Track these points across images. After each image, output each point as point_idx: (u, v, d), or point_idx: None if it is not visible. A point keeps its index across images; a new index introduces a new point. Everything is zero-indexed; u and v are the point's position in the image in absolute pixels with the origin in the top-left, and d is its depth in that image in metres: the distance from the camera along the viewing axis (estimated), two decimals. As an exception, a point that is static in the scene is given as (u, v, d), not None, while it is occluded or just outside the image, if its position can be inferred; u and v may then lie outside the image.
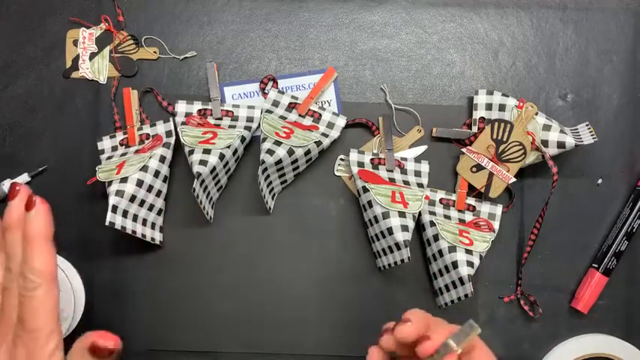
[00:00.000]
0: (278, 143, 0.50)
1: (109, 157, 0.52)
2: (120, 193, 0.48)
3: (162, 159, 0.51)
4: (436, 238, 0.51)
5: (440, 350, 0.33)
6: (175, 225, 0.54)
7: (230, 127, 0.53)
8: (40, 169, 0.54)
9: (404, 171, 0.54)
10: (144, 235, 0.51)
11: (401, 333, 0.35)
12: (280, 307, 0.54)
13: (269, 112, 0.53)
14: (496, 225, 0.53)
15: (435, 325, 0.36)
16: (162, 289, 0.54)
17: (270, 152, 0.49)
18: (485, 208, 0.54)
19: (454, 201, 0.54)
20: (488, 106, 0.54)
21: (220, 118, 0.54)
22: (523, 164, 0.52)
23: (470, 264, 0.48)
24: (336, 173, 0.55)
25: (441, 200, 0.54)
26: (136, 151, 0.52)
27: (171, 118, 0.54)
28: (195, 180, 0.48)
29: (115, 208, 0.48)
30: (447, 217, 0.53)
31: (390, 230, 0.49)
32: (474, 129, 0.54)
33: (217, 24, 0.56)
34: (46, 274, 0.35)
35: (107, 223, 0.47)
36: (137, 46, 0.55)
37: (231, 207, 0.54)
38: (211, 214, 0.54)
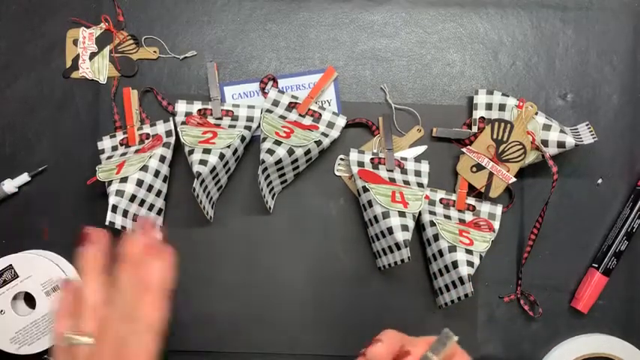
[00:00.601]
0: (278, 143, 0.50)
1: (109, 157, 0.52)
2: (120, 193, 0.48)
3: (162, 159, 0.51)
4: (436, 237, 0.51)
5: None
6: (175, 225, 0.54)
7: (230, 126, 0.53)
8: (40, 169, 0.54)
9: (404, 171, 0.54)
10: (144, 235, 0.51)
11: (372, 354, 0.34)
12: (280, 306, 0.54)
13: (269, 111, 0.53)
14: (496, 225, 0.53)
15: (410, 340, 0.35)
16: (162, 289, 0.54)
17: (270, 152, 0.49)
18: (485, 208, 0.54)
19: (454, 201, 0.54)
20: (488, 106, 0.54)
21: (220, 118, 0.54)
22: (523, 164, 0.52)
23: (470, 264, 0.48)
24: (336, 173, 0.55)
25: (441, 200, 0.54)
26: (136, 151, 0.52)
27: (171, 118, 0.54)
28: (195, 180, 0.48)
29: (115, 208, 0.48)
30: (447, 217, 0.53)
31: (390, 230, 0.49)
32: (474, 129, 0.54)
33: (217, 24, 0.56)
34: (155, 326, 0.35)
35: (107, 223, 0.47)
36: (137, 46, 0.55)
37: (231, 207, 0.54)
38: (211, 214, 0.54)
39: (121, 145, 0.53)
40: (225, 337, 0.54)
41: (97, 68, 0.55)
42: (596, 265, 0.54)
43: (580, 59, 0.56)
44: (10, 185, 0.53)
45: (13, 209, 0.54)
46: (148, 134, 0.53)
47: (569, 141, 0.51)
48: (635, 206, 0.54)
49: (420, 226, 0.53)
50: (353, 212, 0.55)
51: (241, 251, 0.54)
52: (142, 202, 0.50)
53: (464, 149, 0.53)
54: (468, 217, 0.53)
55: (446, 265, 0.50)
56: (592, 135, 0.52)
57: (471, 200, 0.54)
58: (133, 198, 0.49)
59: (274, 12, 0.56)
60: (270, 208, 0.54)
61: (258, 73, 0.56)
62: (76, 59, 0.55)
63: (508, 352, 0.54)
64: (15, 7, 0.55)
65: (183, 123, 0.53)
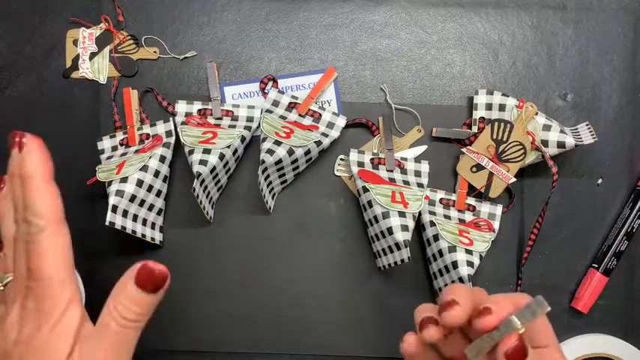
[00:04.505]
0: (278, 143, 0.50)
1: (109, 157, 0.52)
2: (120, 193, 0.48)
3: (162, 159, 0.51)
4: (436, 238, 0.51)
5: (500, 327, 0.28)
6: (175, 225, 0.54)
7: (230, 126, 0.53)
8: (40, 169, 0.54)
9: (404, 171, 0.54)
10: (144, 235, 0.51)
11: (450, 318, 0.29)
12: (280, 306, 0.54)
13: (269, 111, 0.53)
14: (496, 225, 0.53)
15: (487, 296, 0.30)
16: (162, 289, 0.54)
17: (270, 152, 0.49)
18: (485, 208, 0.54)
19: (454, 201, 0.54)
20: (488, 106, 0.54)
21: (220, 118, 0.54)
22: (523, 164, 0.52)
23: (470, 264, 0.48)
24: (336, 173, 0.55)
25: (441, 200, 0.54)
26: (136, 151, 0.52)
27: (171, 118, 0.54)
28: (196, 180, 0.48)
29: (115, 208, 0.48)
30: (447, 217, 0.53)
31: (390, 230, 0.49)
32: (474, 129, 0.54)
33: (217, 24, 0.56)
34: (49, 215, 0.31)
35: (107, 223, 0.47)
36: (137, 46, 0.55)
37: (231, 207, 0.54)
38: (211, 214, 0.54)
39: (121, 145, 0.53)
40: (225, 336, 0.54)
41: (97, 68, 0.55)
42: (596, 265, 0.54)
43: (580, 59, 0.56)
44: (10, 185, 0.53)
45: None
46: (148, 134, 0.53)
47: (569, 141, 0.51)
48: (635, 206, 0.54)
49: (420, 226, 0.53)
50: (353, 212, 0.55)
51: (241, 251, 0.54)
52: (142, 202, 0.50)
53: (464, 149, 0.53)
54: (468, 217, 0.53)
55: (446, 265, 0.50)
56: (592, 135, 0.52)
57: (470, 200, 0.54)
58: (133, 198, 0.49)
59: (274, 12, 0.56)
60: (270, 208, 0.54)
61: (258, 73, 0.56)
62: (76, 59, 0.55)
63: (508, 352, 0.54)
64: (15, 7, 0.55)
65: (183, 123, 0.53)
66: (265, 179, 0.51)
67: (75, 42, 0.55)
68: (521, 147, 0.52)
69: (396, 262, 0.50)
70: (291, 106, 0.54)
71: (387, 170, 0.54)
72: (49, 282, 0.31)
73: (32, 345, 0.31)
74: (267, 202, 0.53)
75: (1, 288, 0.34)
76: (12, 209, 0.34)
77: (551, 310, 0.54)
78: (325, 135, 0.53)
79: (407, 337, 0.33)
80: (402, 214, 0.49)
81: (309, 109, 0.54)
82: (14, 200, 0.33)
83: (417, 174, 0.54)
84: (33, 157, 0.32)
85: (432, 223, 0.51)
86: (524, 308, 0.28)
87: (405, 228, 0.48)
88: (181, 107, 0.53)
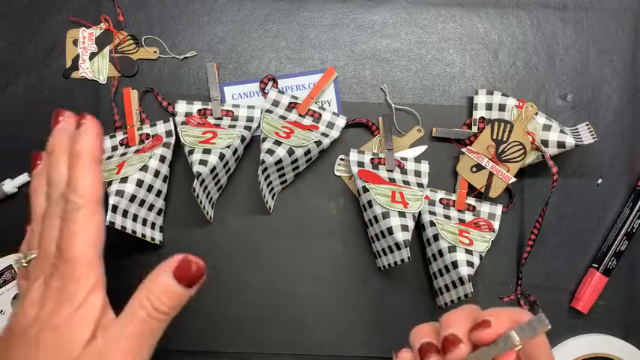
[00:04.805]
0: (278, 143, 0.50)
1: (109, 157, 0.52)
2: (120, 193, 0.48)
3: (162, 159, 0.51)
4: (436, 238, 0.51)
5: (499, 342, 0.28)
6: (175, 225, 0.54)
7: (230, 126, 0.53)
8: (40, 169, 0.54)
9: (404, 171, 0.54)
10: (144, 235, 0.51)
11: (456, 357, 0.28)
12: (280, 307, 0.54)
13: (269, 111, 0.53)
14: (496, 225, 0.53)
15: (479, 311, 0.30)
16: (162, 289, 0.54)
17: (270, 152, 0.49)
18: (485, 208, 0.54)
19: (454, 201, 0.54)
20: (488, 106, 0.54)
21: (220, 118, 0.54)
22: (523, 164, 0.52)
23: (470, 264, 0.48)
24: (336, 173, 0.55)
25: (441, 200, 0.54)
26: (136, 151, 0.52)
27: (171, 118, 0.54)
28: (196, 180, 0.48)
29: (115, 208, 0.48)
30: (447, 217, 0.53)
31: (390, 230, 0.49)
32: (474, 129, 0.54)
33: (217, 24, 0.56)
34: (90, 196, 0.31)
35: (107, 223, 0.47)
36: (137, 46, 0.55)
37: (231, 207, 0.54)
38: (211, 214, 0.54)
39: (121, 145, 0.53)
40: (226, 336, 0.54)
41: (97, 68, 0.55)
42: (596, 265, 0.54)
43: (580, 59, 0.56)
44: (10, 185, 0.53)
45: (13, 209, 0.54)
46: (148, 134, 0.53)
47: (569, 141, 0.51)
48: (635, 206, 0.54)
49: (420, 226, 0.53)
50: (353, 212, 0.55)
51: (241, 251, 0.54)
52: (142, 202, 0.50)
53: (464, 149, 0.53)
54: (468, 217, 0.53)
55: (446, 265, 0.50)
56: (592, 135, 0.52)
57: (470, 200, 0.54)
58: (133, 198, 0.49)
59: (274, 12, 0.56)
60: (270, 208, 0.54)
61: (258, 73, 0.56)
62: (76, 59, 0.55)
63: (508, 352, 0.54)
64: (15, 7, 0.55)
65: (183, 123, 0.53)
66: (265, 179, 0.51)
67: (75, 42, 0.55)
68: (521, 147, 0.52)
69: (396, 262, 0.50)
70: (291, 106, 0.54)
71: (387, 170, 0.54)
72: (76, 263, 0.30)
73: (51, 325, 0.30)
74: (267, 202, 0.53)
75: (25, 264, 0.33)
76: (45, 186, 0.33)
77: (551, 310, 0.54)
78: (325, 135, 0.53)
79: (401, 354, 0.32)
80: (402, 214, 0.49)
81: (309, 109, 0.54)
82: (51, 177, 0.33)
83: (417, 174, 0.54)
84: (88, 137, 0.33)
85: (432, 223, 0.51)
86: (526, 325, 0.28)
87: (405, 228, 0.48)
88: (181, 107, 0.53)
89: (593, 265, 0.54)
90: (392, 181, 0.53)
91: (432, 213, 0.53)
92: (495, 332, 0.28)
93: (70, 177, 0.31)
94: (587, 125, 0.53)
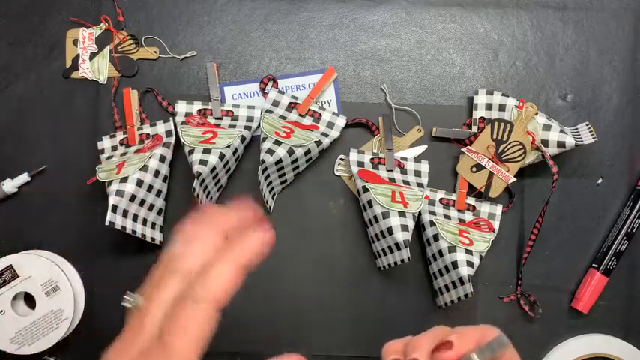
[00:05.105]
0: (278, 143, 0.50)
1: (109, 157, 0.52)
2: (120, 193, 0.48)
3: (162, 159, 0.51)
4: (436, 238, 0.51)
5: None
6: (175, 225, 0.54)
7: (230, 126, 0.53)
8: (40, 169, 0.54)
9: (404, 171, 0.54)
10: (144, 235, 0.51)
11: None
12: (280, 306, 0.54)
13: (269, 111, 0.53)
14: (496, 225, 0.53)
15: (449, 330, 0.31)
16: (162, 289, 0.54)
17: (270, 152, 0.49)
18: (485, 208, 0.54)
19: (454, 201, 0.54)
20: (488, 106, 0.54)
21: (220, 118, 0.54)
22: (523, 164, 0.52)
23: (470, 264, 0.48)
24: (336, 173, 0.55)
25: (441, 200, 0.54)
26: (136, 151, 0.52)
27: (171, 118, 0.54)
28: (195, 180, 0.48)
29: (115, 208, 0.48)
30: (447, 217, 0.53)
31: (390, 230, 0.49)
32: (474, 129, 0.54)
33: (217, 24, 0.56)
34: (215, 294, 0.31)
35: (107, 223, 0.47)
36: (137, 46, 0.55)
37: (231, 207, 0.54)
38: (211, 214, 0.54)
39: (121, 145, 0.53)
40: (225, 336, 0.54)
41: (97, 68, 0.55)
42: (596, 265, 0.54)
43: (580, 59, 0.56)
44: (10, 185, 0.53)
45: (13, 209, 0.54)
46: (148, 134, 0.53)
47: (569, 141, 0.51)
48: (635, 206, 0.54)
49: (420, 226, 0.53)
50: (353, 212, 0.55)
51: (241, 251, 0.54)
52: (142, 202, 0.50)
53: (464, 149, 0.53)
54: (468, 217, 0.53)
55: (446, 265, 0.50)
56: (592, 135, 0.52)
57: (470, 200, 0.54)
58: (133, 198, 0.49)
59: (274, 12, 0.56)
60: (270, 208, 0.54)
61: (258, 73, 0.56)
62: (76, 59, 0.55)
63: (508, 352, 0.54)
64: (15, 7, 0.55)
65: (183, 123, 0.53)
66: (265, 179, 0.51)
67: (75, 42, 0.55)
68: (521, 147, 0.52)
69: (396, 262, 0.50)
70: (291, 106, 0.54)
71: (387, 170, 0.54)
72: (173, 352, 0.30)
73: None
74: (267, 202, 0.53)
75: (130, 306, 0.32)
76: (210, 248, 0.33)
77: (551, 310, 0.54)
78: (325, 135, 0.53)
79: None
80: (402, 214, 0.49)
81: (309, 109, 0.54)
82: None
83: (417, 174, 0.54)
84: (253, 243, 0.33)
85: (432, 223, 0.51)
86: (485, 346, 0.29)
87: (405, 228, 0.48)
88: (181, 107, 0.53)
89: (593, 265, 0.54)
90: (392, 181, 0.53)
91: (432, 213, 0.53)
92: (456, 354, 0.29)
93: (210, 267, 0.31)
94: (587, 125, 0.53)
